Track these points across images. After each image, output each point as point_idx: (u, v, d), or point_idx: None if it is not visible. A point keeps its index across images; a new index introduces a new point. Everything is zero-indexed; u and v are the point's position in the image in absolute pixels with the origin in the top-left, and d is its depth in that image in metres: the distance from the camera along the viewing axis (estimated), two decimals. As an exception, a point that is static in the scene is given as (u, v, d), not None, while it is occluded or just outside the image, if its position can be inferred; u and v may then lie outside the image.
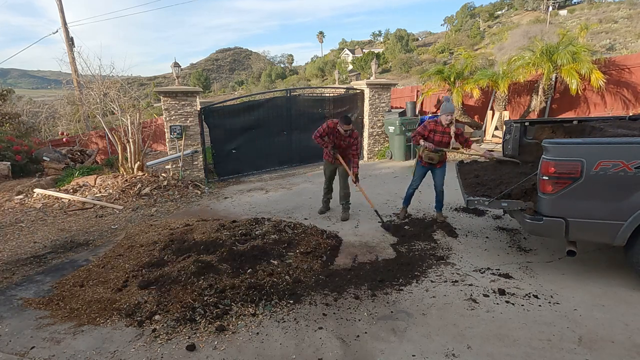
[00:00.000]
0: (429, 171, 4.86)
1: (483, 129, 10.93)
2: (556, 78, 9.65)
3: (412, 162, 8.77)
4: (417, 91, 13.21)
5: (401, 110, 10.16)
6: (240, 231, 4.50)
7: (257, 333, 2.78)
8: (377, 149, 10.22)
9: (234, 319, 2.93)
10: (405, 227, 4.83)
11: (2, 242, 5.06)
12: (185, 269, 3.53)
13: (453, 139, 4.59)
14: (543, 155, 3.05)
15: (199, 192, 7.41)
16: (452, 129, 4.59)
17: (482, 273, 3.55)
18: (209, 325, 2.85)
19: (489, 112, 10.84)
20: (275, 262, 3.72)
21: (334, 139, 5.00)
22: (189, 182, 7.81)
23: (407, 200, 5.14)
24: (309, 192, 6.99)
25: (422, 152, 4.72)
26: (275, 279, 3.43)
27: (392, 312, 2.98)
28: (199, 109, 8.08)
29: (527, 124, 4.68)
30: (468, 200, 3.57)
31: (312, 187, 7.39)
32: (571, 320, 2.78)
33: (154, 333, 2.79)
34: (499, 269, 3.59)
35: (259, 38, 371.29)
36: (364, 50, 70.13)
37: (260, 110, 8.78)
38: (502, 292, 3.18)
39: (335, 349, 2.58)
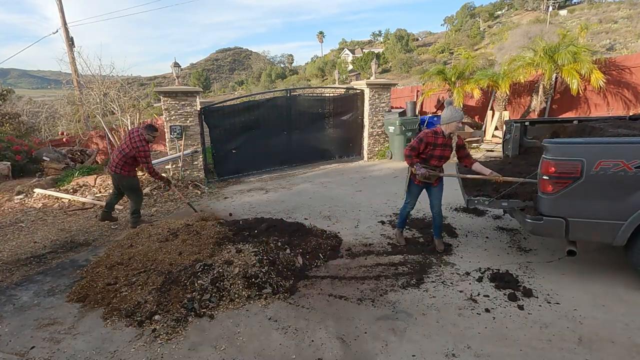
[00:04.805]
0: (425, 189, 4.07)
1: (483, 129, 10.94)
2: (556, 78, 9.66)
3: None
4: (417, 91, 13.22)
5: (401, 110, 10.16)
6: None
7: (257, 333, 2.78)
8: (377, 149, 10.23)
9: (234, 319, 2.92)
10: (405, 227, 4.82)
11: (2, 242, 5.06)
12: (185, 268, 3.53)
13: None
14: (543, 155, 3.05)
15: (199, 192, 7.42)
16: (455, 139, 3.92)
17: (482, 273, 3.55)
18: (209, 325, 2.85)
19: (489, 112, 10.85)
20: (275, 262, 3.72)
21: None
22: (189, 182, 7.82)
23: (402, 223, 4.38)
24: (309, 192, 6.99)
25: (416, 171, 3.85)
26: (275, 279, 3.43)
27: (392, 312, 2.99)
28: (199, 109, 8.08)
29: (527, 123, 4.69)
30: (468, 200, 3.57)
31: (312, 187, 7.39)
32: (571, 320, 2.78)
33: (154, 333, 2.79)
34: (499, 269, 3.58)
35: (259, 37, 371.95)
36: (363, 50, 70.19)
37: (260, 110, 8.78)
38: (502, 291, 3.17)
39: (335, 349, 2.58)
